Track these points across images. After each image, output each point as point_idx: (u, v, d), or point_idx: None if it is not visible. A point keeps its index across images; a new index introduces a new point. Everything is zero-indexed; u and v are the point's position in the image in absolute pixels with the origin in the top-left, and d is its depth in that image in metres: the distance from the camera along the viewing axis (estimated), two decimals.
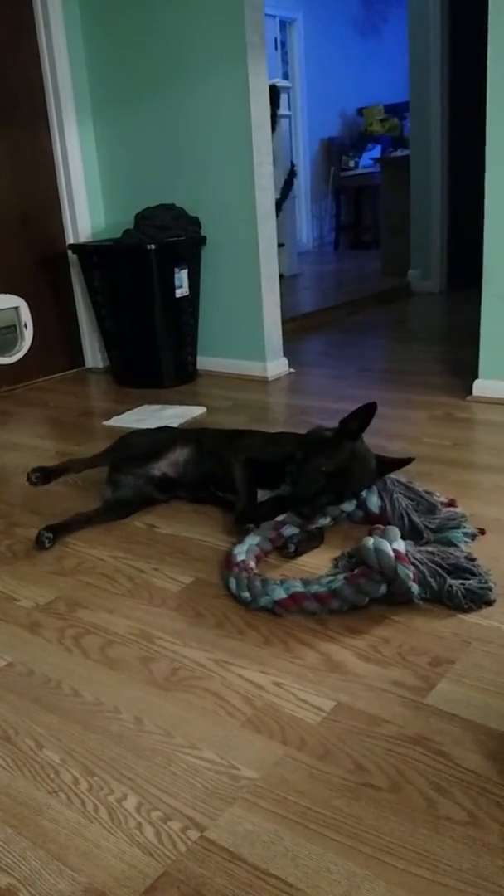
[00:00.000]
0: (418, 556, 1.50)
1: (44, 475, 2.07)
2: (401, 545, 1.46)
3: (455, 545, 1.64)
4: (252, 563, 1.64)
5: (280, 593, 1.49)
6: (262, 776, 1.11)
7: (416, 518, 1.72)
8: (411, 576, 1.44)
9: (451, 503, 1.82)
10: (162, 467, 2.06)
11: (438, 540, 1.67)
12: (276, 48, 7.38)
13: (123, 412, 3.00)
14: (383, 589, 1.45)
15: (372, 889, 0.92)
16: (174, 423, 2.74)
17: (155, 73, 3.31)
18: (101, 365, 3.81)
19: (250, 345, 3.38)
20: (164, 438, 2.13)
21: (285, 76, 7.55)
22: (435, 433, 2.50)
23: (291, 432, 2.11)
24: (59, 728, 1.25)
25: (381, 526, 1.54)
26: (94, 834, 1.04)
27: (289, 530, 1.76)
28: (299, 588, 1.49)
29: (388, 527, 1.52)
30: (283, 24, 7.62)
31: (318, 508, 1.75)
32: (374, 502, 1.78)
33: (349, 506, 1.81)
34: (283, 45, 7.67)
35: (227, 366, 3.48)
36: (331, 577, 1.50)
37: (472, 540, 1.70)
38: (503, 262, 2.65)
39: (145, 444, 2.13)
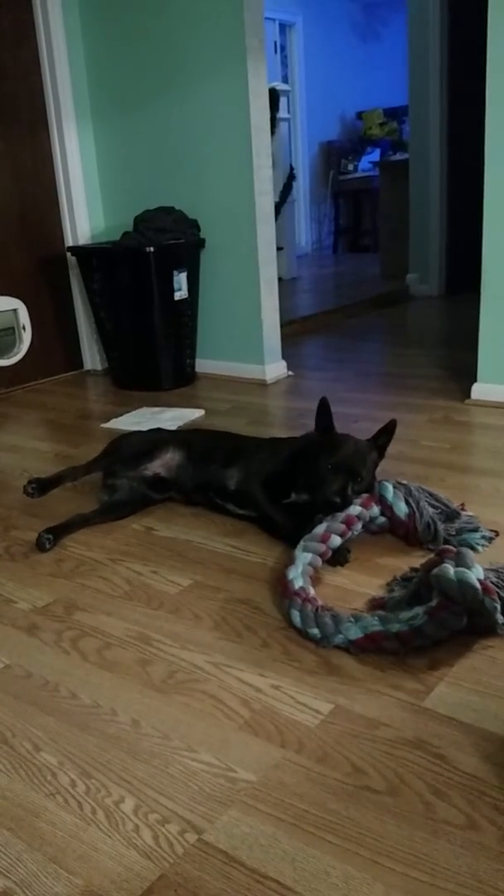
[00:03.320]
0: (494, 579, 1.41)
1: (40, 486, 2.07)
2: (481, 572, 1.36)
3: (474, 549, 1.65)
4: (312, 591, 1.51)
5: (356, 633, 1.37)
6: (260, 779, 1.11)
7: (440, 527, 1.73)
8: (498, 607, 1.35)
9: (462, 508, 1.84)
10: (154, 468, 2.07)
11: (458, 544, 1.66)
12: (275, 52, 7.40)
13: (122, 414, 3.00)
14: (465, 622, 1.35)
15: (370, 892, 0.92)
16: (172, 426, 2.74)
17: (154, 76, 3.32)
18: (99, 367, 3.82)
19: (249, 348, 3.38)
20: (155, 439, 2.15)
21: (285, 80, 7.58)
22: (433, 436, 2.50)
23: (282, 438, 2.12)
24: (56, 730, 1.24)
25: (451, 548, 1.44)
26: (91, 837, 1.04)
27: (335, 541, 1.66)
28: (377, 627, 1.36)
29: (461, 550, 1.42)
30: (283, 28, 7.64)
31: (346, 499, 1.72)
32: (401, 509, 1.74)
33: (375, 510, 1.76)
34: (283, 48, 7.69)
35: (225, 368, 3.48)
36: (411, 614, 1.36)
37: (490, 543, 1.72)
38: (502, 266, 2.65)
39: (136, 445, 2.14)
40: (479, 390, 2.82)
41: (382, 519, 1.77)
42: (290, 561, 1.60)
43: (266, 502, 1.88)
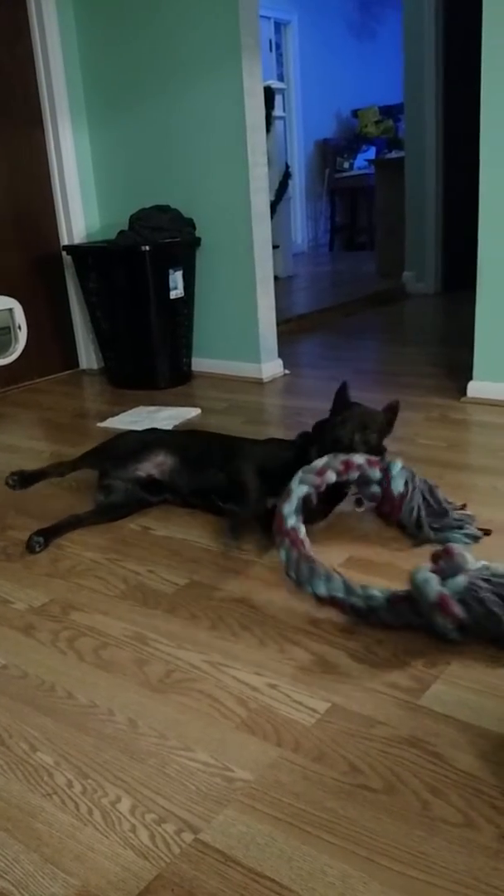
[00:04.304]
0: (479, 586, 1.34)
1: (21, 479, 2.07)
2: (458, 584, 1.33)
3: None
4: (303, 531, 1.54)
5: (322, 590, 1.44)
6: (257, 778, 1.11)
7: (423, 516, 1.75)
8: (451, 626, 1.34)
9: (463, 507, 1.84)
10: (146, 469, 2.05)
11: (439, 539, 1.70)
12: (270, 50, 7.38)
13: (118, 414, 3.00)
14: (423, 621, 1.37)
15: (366, 891, 0.92)
16: (169, 425, 2.75)
17: (150, 74, 3.31)
18: (95, 366, 3.81)
19: (245, 346, 3.38)
20: (146, 440, 2.12)
21: (280, 78, 7.57)
22: (430, 434, 2.51)
23: (281, 439, 2.13)
24: (52, 730, 1.24)
25: (452, 548, 1.42)
26: (87, 837, 1.03)
27: (330, 476, 1.68)
28: (340, 594, 1.43)
29: (458, 554, 1.40)
30: (279, 26, 7.63)
31: (352, 441, 1.78)
32: (398, 486, 1.76)
33: (377, 473, 1.77)
34: (278, 46, 7.68)
35: (222, 367, 3.48)
36: (373, 594, 1.42)
37: (475, 542, 1.72)
38: (498, 264, 2.66)
39: (127, 445, 2.13)
40: (475, 388, 2.82)
41: (377, 489, 1.78)
42: (286, 494, 1.60)
43: (248, 473, 1.86)
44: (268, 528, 1.68)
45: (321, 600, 1.45)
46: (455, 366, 3.16)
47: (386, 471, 1.76)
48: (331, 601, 1.44)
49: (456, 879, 0.93)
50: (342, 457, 1.72)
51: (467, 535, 1.73)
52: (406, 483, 1.76)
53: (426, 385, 3.09)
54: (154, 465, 2.06)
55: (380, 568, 1.68)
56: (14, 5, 3.36)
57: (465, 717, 1.20)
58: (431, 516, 1.76)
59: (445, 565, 1.38)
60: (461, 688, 1.26)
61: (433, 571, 1.36)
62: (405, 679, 1.30)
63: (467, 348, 2.81)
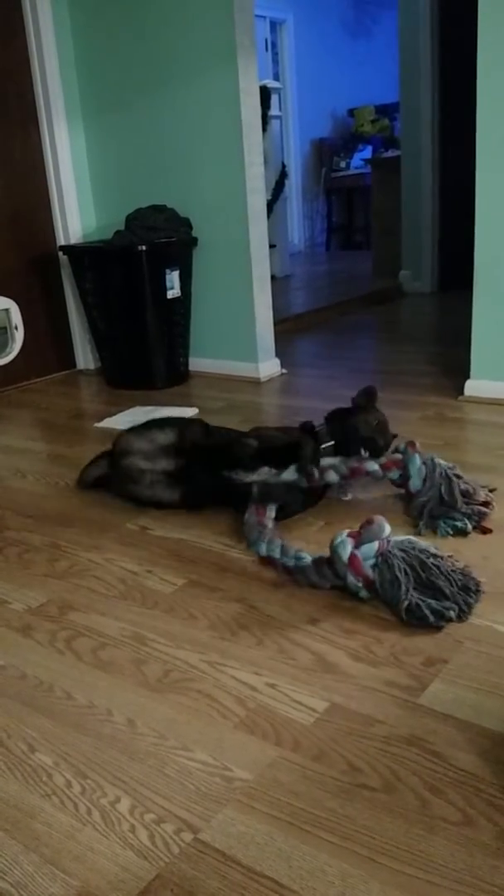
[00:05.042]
0: (394, 554, 1.50)
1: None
2: (368, 550, 1.49)
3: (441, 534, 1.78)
4: (272, 512, 1.82)
5: (262, 550, 1.69)
6: (256, 777, 1.11)
7: (427, 511, 1.83)
8: (360, 584, 1.50)
9: (486, 504, 1.87)
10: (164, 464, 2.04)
11: (428, 524, 1.82)
12: (266, 49, 7.38)
13: (115, 414, 2.99)
14: (342, 582, 1.52)
15: (366, 890, 0.92)
16: None
17: (145, 74, 3.31)
18: (92, 366, 3.81)
19: (242, 346, 3.38)
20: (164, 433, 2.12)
21: (276, 77, 7.56)
22: (426, 433, 2.51)
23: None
24: (51, 731, 1.24)
25: (374, 519, 1.54)
26: (87, 837, 1.03)
27: (331, 476, 1.89)
28: (276, 554, 1.65)
29: (377, 525, 1.53)
30: (274, 25, 7.62)
31: (382, 451, 1.97)
32: (415, 485, 1.86)
33: (395, 474, 1.92)
34: (274, 45, 7.68)
35: (219, 367, 3.48)
36: (303, 555, 1.62)
37: (456, 535, 1.77)
38: (495, 263, 2.66)
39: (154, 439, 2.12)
40: (471, 387, 2.82)
41: (397, 476, 1.92)
42: (277, 475, 1.85)
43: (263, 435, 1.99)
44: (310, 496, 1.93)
45: (262, 559, 1.70)
46: (452, 364, 3.16)
47: (405, 468, 1.89)
48: (269, 560, 1.67)
49: (455, 878, 0.93)
50: (353, 463, 1.89)
51: (452, 527, 1.79)
52: (425, 479, 1.86)
53: (423, 384, 3.09)
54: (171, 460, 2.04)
55: None
56: (9, 5, 3.35)
57: (464, 715, 1.20)
58: (440, 508, 1.82)
59: (364, 533, 1.52)
60: (460, 686, 1.26)
61: (350, 537, 1.53)
62: (404, 678, 1.30)
63: (464, 347, 2.82)
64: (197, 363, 3.53)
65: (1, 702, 1.32)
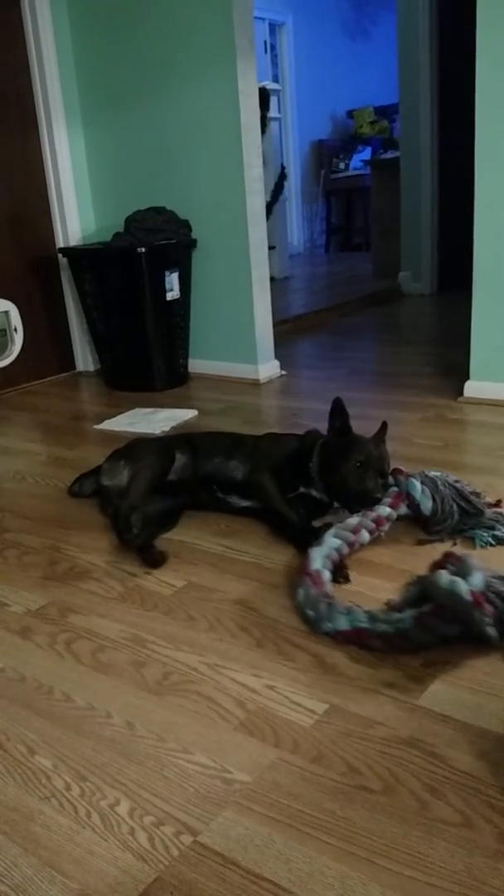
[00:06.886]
0: (496, 586, 1.37)
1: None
2: (478, 581, 1.32)
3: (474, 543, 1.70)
4: (327, 575, 1.56)
5: (343, 624, 1.39)
6: (255, 780, 1.11)
7: (455, 524, 1.78)
8: (489, 620, 1.31)
9: (497, 504, 1.85)
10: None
11: (468, 537, 1.73)
12: (265, 51, 7.39)
13: (115, 416, 2.99)
14: (456, 630, 1.34)
15: (365, 892, 0.92)
16: (166, 427, 2.75)
17: (144, 76, 3.31)
18: (91, 368, 3.81)
19: (242, 347, 3.38)
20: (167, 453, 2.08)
21: (275, 79, 7.56)
22: (426, 434, 2.51)
23: (282, 433, 2.13)
24: (50, 733, 1.24)
25: (455, 553, 1.45)
26: (86, 840, 1.03)
27: (364, 536, 1.71)
28: (364, 624, 1.37)
29: (464, 557, 1.42)
30: (273, 27, 7.63)
31: (381, 496, 1.78)
32: (427, 507, 1.78)
33: (403, 509, 1.80)
34: (273, 47, 7.68)
35: (218, 368, 3.48)
36: (399, 616, 1.37)
37: (498, 543, 1.72)
38: (494, 264, 2.66)
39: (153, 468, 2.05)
40: (471, 388, 2.82)
41: (405, 510, 1.81)
42: (319, 541, 1.64)
43: (276, 495, 1.88)
44: (303, 527, 1.80)
45: (342, 635, 1.39)
46: (451, 366, 3.16)
47: (409, 496, 1.79)
48: (356, 634, 1.38)
49: (455, 879, 0.93)
50: (372, 515, 1.73)
51: (495, 537, 1.72)
52: (434, 499, 1.77)
53: (422, 385, 3.09)
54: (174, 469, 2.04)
55: (380, 569, 1.67)
56: (8, 7, 3.36)
57: (463, 717, 1.20)
58: (468, 518, 1.78)
59: (457, 568, 1.38)
60: (459, 688, 1.26)
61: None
62: (403, 680, 1.30)
63: (464, 348, 2.81)
64: (196, 365, 3.53)
65: (0, 704, 1.32)
